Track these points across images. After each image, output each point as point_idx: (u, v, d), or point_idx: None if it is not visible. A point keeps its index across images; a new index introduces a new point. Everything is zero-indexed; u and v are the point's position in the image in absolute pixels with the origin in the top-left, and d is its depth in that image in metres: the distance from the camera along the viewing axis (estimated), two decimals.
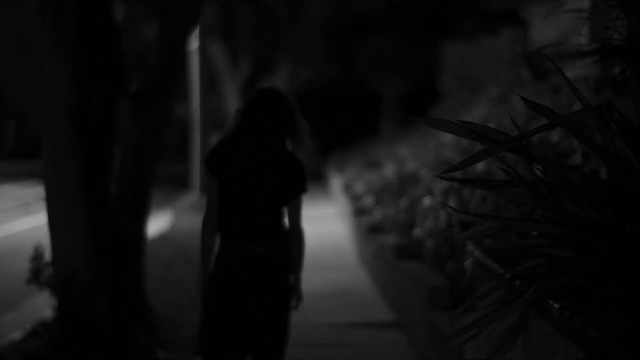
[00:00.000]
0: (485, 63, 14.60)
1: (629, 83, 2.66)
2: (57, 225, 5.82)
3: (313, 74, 25.24)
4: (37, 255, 5.82)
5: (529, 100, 2.41)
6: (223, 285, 3.61)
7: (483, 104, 10.80)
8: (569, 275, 2.28)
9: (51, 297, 5.83)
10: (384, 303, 7.67)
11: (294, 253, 3.70)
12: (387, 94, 25.62)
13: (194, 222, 14.15)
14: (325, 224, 13.29)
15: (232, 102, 23.24)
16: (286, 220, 3.71)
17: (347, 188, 13.87)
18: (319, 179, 21.59)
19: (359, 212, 10.96)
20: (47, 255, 5.84)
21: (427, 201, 6.93)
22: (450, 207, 2.78)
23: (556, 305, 2.36)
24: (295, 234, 3.70)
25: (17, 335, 6.18)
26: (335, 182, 17.29)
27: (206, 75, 18.12)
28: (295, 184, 3.68)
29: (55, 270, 5.79)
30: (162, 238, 11.66)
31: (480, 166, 6.01)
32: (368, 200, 10.84)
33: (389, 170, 10.98)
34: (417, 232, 6.73)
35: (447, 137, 9.01)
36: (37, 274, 5.80)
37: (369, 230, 9.17)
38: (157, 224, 12.96)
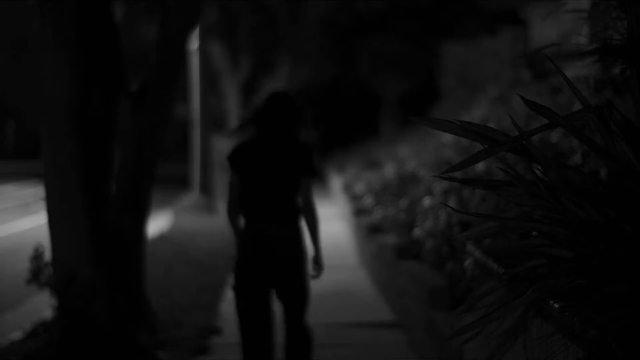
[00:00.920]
0: (485, 63, 14.58)
1: (629, 83, 2.66)
2: (57, 225, 5.82)
3: (313, 74, 25.22)
4: (37, 255, 5.82)
5: (529, 100, 2.41)
6: (248, 258, 4.38)
7: (483, 104, 10.79)
8: (569, 275, 2.27)
9: (51, 297, 5.84)
10: (384, 303, 7.67)
11: (309, 226, 4.45)
12: (387, 93, 25.60)
13: (194, 222, 14.18)
14: (325, 224, 13.28)
15: (232, 102, 23.23)
16: (300, 200, 4.43)
17: (347, 188, 13.87)
18: (319, 179, 21.59)
19: (359, 212, 10.97)
20: (47, 255, 5.84)
21: (427, 201, 6.93)
22: (450, 207, 2.78)
23: (556, 305, 2.36)
24: (308, 209, 4.41)
25: (17, 335, 6.17)
26: (335, 182, 17.28)
27: (206, 75, 18.12)
28: (304, 168, 4.40)
29: (55, 270, 5.79)
30: (162, 238, 11.67)
31: (480, 166, 6.01)
32: (368, 200, 10.84)
33: (389, 170, 10.98)
34: (417, 232, 6.73)
35: (447, 137, 9.01)
36: (37, 274, 5.80)
37: (369, 230, 9.17)
38: (157, 224, 12.97)
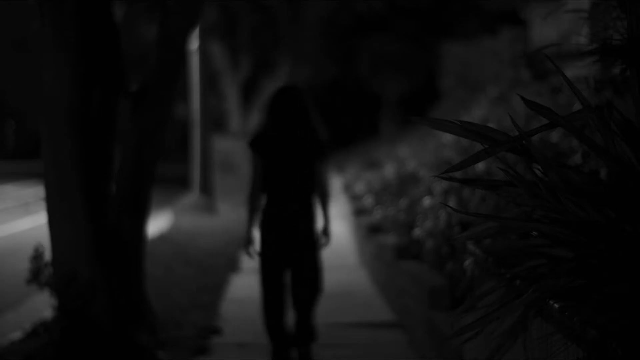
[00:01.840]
0: (485, 63, 14.58)
1: (629, 83, 2.66)
2: (57, 225, 5.82)
3: (313, 74, 25.21)
4: (37, 255, 5.82)
5: (529, 100, 2.41)
6: (271, 232, 5.15)
7: (483, 104, 10.79)
8: (569, 275, 2.27)
9: (51, 297, 5.83)
10: (384, 303, 7.67)
11: (322, 203, 5.22)
12: (387, 93, 25.60)
13: (194, 222, 14.18)
14: None
15: (232, 102, 23.23)
16: (316, 180, 5.16)
17: (347, 188, 13.87)
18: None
19: (359, 212, 10.97)
20: (47, 255, 5.84)
21: (427, 201, 6.93)
22: (450, 207, 2.78)
23: (556, 305, 2.36)
24: (321, 187, 5.19)
25: (17, 335, 6.17)
26: (335, 182, 17.28)
27: (206, 75, 18.10)
28: (317, 153, 5.14)
29: (55, 270, 5.79)
30: (162, 238, 11.66)
31: (480, 166, 6.01)
32: (368, 200, 10.84)
33: (389, 170, 10.98)
34: (417, 232, 6.73)
35: (447, 137, 9.00)
36: (37, 274, 5.80)
37: (369, 230, 9.17)
38: (157, 224, 12.97)
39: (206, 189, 17.05)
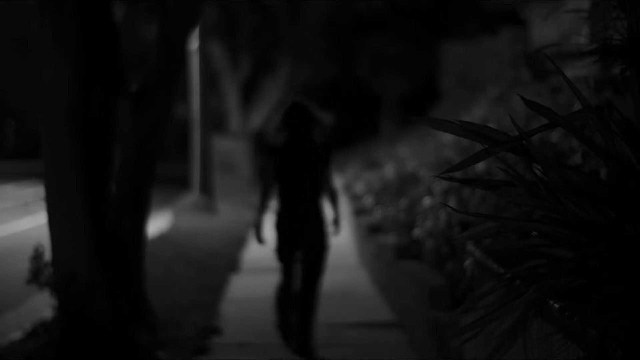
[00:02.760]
0: (485, 63, 14.58)
1: (629, 83, 2.65)
2: (57, 225, 5.82)
3: (313, 74, 25.20)
4: (37, 255, 5.82)
5: (529, 100, 2.41)
6: (286, 228, 5.78)
7: (483, 104, 10.79)
8: (569, 275, 2.27)
9: (51, 297, 5.83)
10: (384, 303, 7.67)
11: (332, 201, 5.95)
12: (387, 93, 25.60)
13: (194, 222, 14.17)
14: None
15: (232, 102, 23.21)
16: (324, 183, 5.87)
17: (347, 188, 13.87)
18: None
19: (359, 212, 10.96)
20: (47, 255, 5.84)
21: (427, 201, 6.93)
22: (450, 207, 2.77)
23: (556, 305, 2.36)
24: (330, 190, 5.94)
25: (17, 335, 6.17)
26: (336, 182, 17.27)
27: (206, 75, 18.10)
28: (325, 161, 5.85)
29: (55, 270, 5.78)
30: (162, 238, 11.66)
31: (480, 166, 6.01)
32: (368, 200, 10.84)
33: (389, 170, 10.98)
34: (417, 232, 6.73)
35: (447, 137, 9.00)
36: (37, 274, 5.80)
37: (369, 230, 9.17)
38: (157, 224, 12.96)
39: (206, 188, 17.05)
